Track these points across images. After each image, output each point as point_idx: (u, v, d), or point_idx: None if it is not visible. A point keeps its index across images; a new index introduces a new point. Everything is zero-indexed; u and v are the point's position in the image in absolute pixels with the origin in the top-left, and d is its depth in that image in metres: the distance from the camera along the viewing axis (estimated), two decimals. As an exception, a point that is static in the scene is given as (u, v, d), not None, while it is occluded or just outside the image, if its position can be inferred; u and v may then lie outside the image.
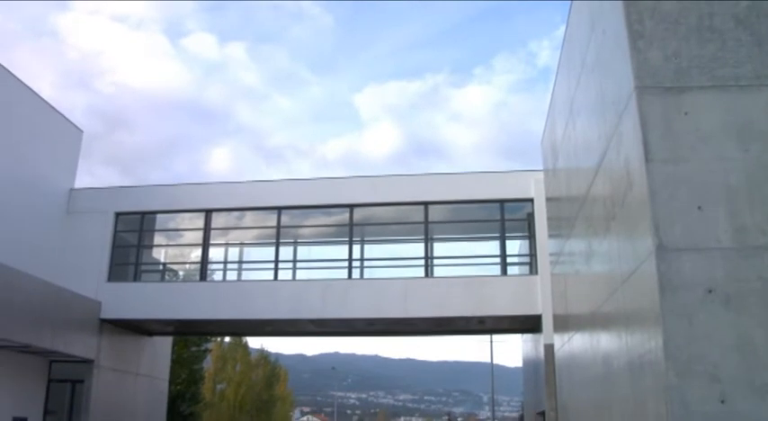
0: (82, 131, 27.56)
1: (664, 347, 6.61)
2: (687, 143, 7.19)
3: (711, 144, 7.15)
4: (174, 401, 34.00)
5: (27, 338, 20.58)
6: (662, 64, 7.54)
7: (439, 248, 24.92)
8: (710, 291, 6.67)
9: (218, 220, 25.72)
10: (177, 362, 34.73)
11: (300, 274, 24.91)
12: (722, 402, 6.37)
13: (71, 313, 22.55)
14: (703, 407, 6.39)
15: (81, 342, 23.23)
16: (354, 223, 24.50)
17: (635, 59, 7.64)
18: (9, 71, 23.69)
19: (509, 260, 23.67)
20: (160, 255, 27.66)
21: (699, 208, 6.93)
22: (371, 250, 25.54)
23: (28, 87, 24.58)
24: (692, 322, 6.62)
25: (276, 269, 24.49)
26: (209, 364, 45.75)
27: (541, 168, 18.71)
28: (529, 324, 23.19)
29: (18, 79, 24.08)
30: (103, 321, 24.40)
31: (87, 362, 23.78)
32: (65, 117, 26.56)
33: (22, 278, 20.45)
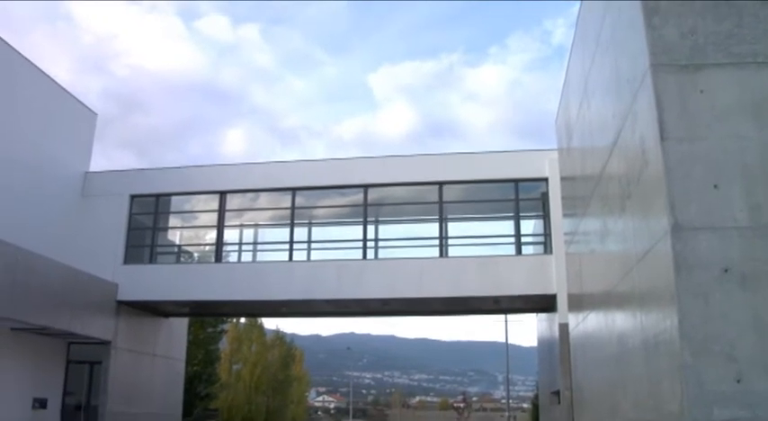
0: (96, 114, 27.64)
1: (679, 327, 6.58)
2: (703, 121, 7.11)
3: (727, 122, 7.08)
4: (191, 382, 34.25)
5: (45, 320, 20.77)
6: (677, 41, 7.45)
7: (453, 228, 24.92)
8: (726, 271, 6.63)
9: (232, 202, 25.77)
10: (193, 344, 34.96)
11: (315, 255, 24.96)
12: (738, 381, 6.35)
13: (88, 295, 22.71)
14: (719, 386, 6.37)
15: (98, 324, 23.40)
16: (369, 203, 24.48)
17: (650, 36, 7.56)
18: (24, 56, 23.74)
19: (524, 239, 23.62)
20: (175, 237, 27.78)
21: (715, 186, 6.87)
22: (386, 230, 25.55)
23: (42, 72, 24.63)
24: (708, 301, 6.58)
25: (291, 250, 24.54)
26: (225, 345, 46.03)
27: (556, 147, 18.62)
28: (543, 303, 23.17)
29: (32, 64, 24.14)
30: (120, 303, 24.56)
31: (105, 343, 23.98)
32: (79, 100, 26.62)
33: (39, 261, 20.60)
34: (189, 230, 27.73)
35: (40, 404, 22.42)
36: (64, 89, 25.77)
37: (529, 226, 24.93)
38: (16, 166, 22.70)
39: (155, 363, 26.94)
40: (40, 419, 22.34)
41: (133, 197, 25.90)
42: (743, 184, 6.83)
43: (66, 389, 23.97)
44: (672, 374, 6.85)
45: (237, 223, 26.63)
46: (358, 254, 24.03)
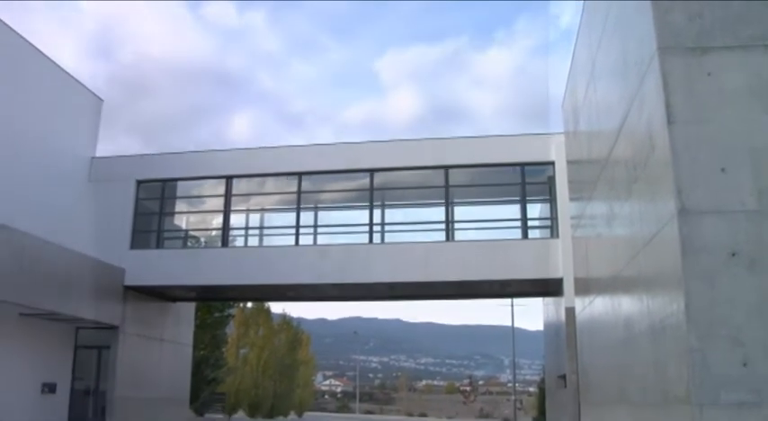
0: (102, 100, 27.63)
1: (686, 311, 6.58)
2: (710, 104, 7.08)
3: (735, 105, 7.04)
4: (198, 366, 34.39)
5: (53, 306, 20.87)
6: (685, 24, 7.40)
7: (460, 212, 24.90)
8: (734, 255, 6.62)
9: (239, 186, 25.80)
10: (201, 328, 35.07)
11: (321, 239, 24.99)
12: (744, 365, 6.35)
13: (95, 281, 22.80)
14: (725, 370, 6.37)
15: (106, 309, 23.51)
16: (375, 188, 24.47)
17: (657, 20, 7.51)
18: (29, 42, 23.73)
19: (530, 223, 23.61)
20: (182, 222, 27.83)
21: (722, 170, 6.84)
22: (392, 214, 25.55)
23: (48, 58, 24.62)
24: (715, 285, 6.58)
25: (297, 234, 24.57)
26: (232, 330, 46.18)
27: (562, 131, 18.57)
28: (550, 287, 23.18)
29: (38, 50, 24.13)
30: (127, 288, 24.65)
31: (113, 328, 24.10)
32: (85, 86, 26.62)
33: (46, 247, 20.68)
34: (195, 215, 27.77)
35: (49, 389, 22.58)
36: (70, 75, 25.76)
37: (535, 210, 24.93)
38: (22, 153, 22.74)
39: (162, 348, 27.07)
40: (49, 404, 22.49)
41: (140, 182, 25.94)
42: (751, 168, 6.80)
43: (75, 374, 24.12)
44: (678, 358, 6.85)
45: (244, 208, 26.68)
46: (364, 238, 24.05)
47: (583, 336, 15.66)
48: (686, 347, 6.54)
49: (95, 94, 27.23)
